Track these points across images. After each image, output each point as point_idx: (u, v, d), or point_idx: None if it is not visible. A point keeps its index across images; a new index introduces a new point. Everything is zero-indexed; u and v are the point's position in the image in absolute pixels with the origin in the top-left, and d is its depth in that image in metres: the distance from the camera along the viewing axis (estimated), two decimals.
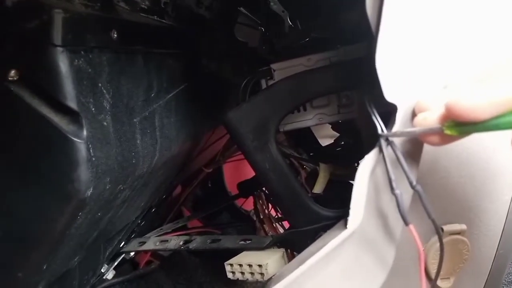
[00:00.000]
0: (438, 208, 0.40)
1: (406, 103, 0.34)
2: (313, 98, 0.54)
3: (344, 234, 0.35)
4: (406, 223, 0.32)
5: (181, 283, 0.90)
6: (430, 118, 0.30)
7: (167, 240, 0.67)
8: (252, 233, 1.07)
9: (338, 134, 0.69)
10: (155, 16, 0.54)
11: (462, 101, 0.26)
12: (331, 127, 0.68)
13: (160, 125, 0.53)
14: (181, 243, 0.65)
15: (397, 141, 0.34)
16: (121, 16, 0.45)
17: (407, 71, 0.35)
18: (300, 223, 0.53)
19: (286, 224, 0.83)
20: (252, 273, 0.52)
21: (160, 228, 0.83)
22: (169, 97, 0.55)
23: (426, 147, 0.35)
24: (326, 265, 0.36)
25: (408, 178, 0.32)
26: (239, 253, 0.57)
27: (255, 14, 0.54)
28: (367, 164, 0.35)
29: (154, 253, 0.91)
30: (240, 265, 0.53)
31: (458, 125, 0.27)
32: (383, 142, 0.35)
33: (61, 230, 0.41)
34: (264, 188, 0.81)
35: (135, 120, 0.47)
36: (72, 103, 0.36)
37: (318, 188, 0.61)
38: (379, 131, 0.35)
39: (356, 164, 0.62)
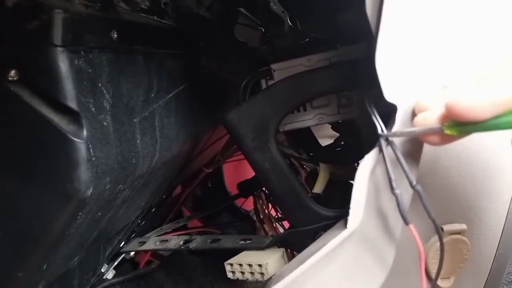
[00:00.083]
0: (438, 208, 0.40)
1: (406, 103, 0.34)
2: (313, 98, 0.54)
3: (344, 234, 0.35)
4: (406, 222, 0.32)
5: (181, 283, 0.90)
6: (430, 118, 0.30)
7: (167, 240, 0.67)
8: (252, 233, 1.07)
9: (338, 134, 0.69)
10: (155, 17, 0.54)
11: (462, 101, 0.26)
12: (331, 127, 0.68)
13: (160, 125, 0.53)
14: (181, 243, 0.65)
15: (397, 141, 0.34)
16: (121, 16, 0.45)
17: (407, 71, 0.35)
18: (300, 223, 0.53)
19: (286, 224, 0.83)
20: (252, 273, 0.52)
21: (160, 228, 0.83)
22: (169, 97, 0.55)
23: (426, 147, 0.35)
24: (326, 265, 0.36)
25: (408, 178, 0.32)
26: (239, 253, 0.57)
27: (255, 14, 0.54)
28: (367, 164, 0.35)
29: (154, 253, 0.91)
30: (240, 265, 0.53)
31: (458, 125, 0.27)
32: (383, 142, 0.35)
33: (61, 230, 0.41)
34: (264, 188, 0.81)
35: (135, 120, 0.47)
36: (72, 103, 0.36)
37: (318, 188, 0.61)
38: (379, 131, 0.35)
39: (356, 164, 0.62)
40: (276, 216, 0.84)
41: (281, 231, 0.78)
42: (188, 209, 1.07)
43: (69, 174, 0.37)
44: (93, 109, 0.39)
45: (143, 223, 0.78)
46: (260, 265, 0.51)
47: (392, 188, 0.33)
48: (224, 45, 0.63)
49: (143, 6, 0.51)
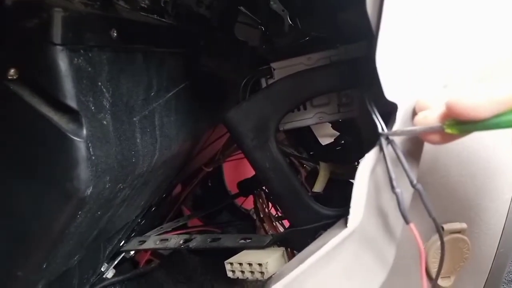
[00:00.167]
0: (438, 206, 0.41)
1: (407, 102, 0.34)
2: (313, 97, 0.54)
3: (345, 233, 0.35)
4: (406, 221, 0.32)
5: (181, 282, 0.90)
6: (430, 117, 0.30)
7: (167, 239, 0.67)
8: (252, 232, 1.07)
9: (338, 133, 0.69)
10: (155, 15, 0.53)
11: (462, 100, 0.26)
12: (331, 126, 0.68)
13: (160, 124, 0.53)
14: (181, 242, 0.65)
15: (397, 140, 0.34)
16: (121, 15, 0.45)
17: (407, 70, 0.35)
18: (300, 222, 0.53)
19: (286, 223, 0.83)
20: (252, 272, 0.52)
21: (160, 227, 0.83)
22: (169, 96, 0.55)
23: (427, 146, 0.35)
24: (327, 264, 0.36)
25: (408, 176, 0.32)
26: (239, 252, 0.57)
27: (255, 13, 0.54)
28: (367, 163, 0.35)
29: (154, 252, 0.91)
30: (240, 264, 0.53)
31: (459, 124, 0.27)
32: (383, 141, 0.34)
33: (61, 229, 0.41)
34: (264, 187, 0.81)
35: (135, 119, 0.47)
36: (71, 102, 0.36)
37: (318, 187, 0.61)
38: (380, 129, 0.35)
39: (356, 163, 0.62)
40: (276, 215, 0.84)
41: (281, 230, 0.79)
42: (188, 208, 1.07)
43: (69, 173, 0.37)
44: (92, 108, 0.39)
45: (143, 222, 0.78)
46: (260, 264, 0.51)
47: (392, 187, 0.33)
48: (224, 44, 0.63)
49: (143, 5, 0.51)
